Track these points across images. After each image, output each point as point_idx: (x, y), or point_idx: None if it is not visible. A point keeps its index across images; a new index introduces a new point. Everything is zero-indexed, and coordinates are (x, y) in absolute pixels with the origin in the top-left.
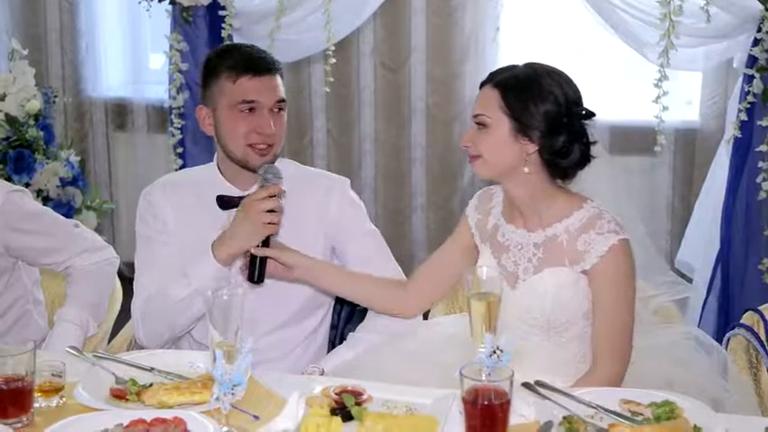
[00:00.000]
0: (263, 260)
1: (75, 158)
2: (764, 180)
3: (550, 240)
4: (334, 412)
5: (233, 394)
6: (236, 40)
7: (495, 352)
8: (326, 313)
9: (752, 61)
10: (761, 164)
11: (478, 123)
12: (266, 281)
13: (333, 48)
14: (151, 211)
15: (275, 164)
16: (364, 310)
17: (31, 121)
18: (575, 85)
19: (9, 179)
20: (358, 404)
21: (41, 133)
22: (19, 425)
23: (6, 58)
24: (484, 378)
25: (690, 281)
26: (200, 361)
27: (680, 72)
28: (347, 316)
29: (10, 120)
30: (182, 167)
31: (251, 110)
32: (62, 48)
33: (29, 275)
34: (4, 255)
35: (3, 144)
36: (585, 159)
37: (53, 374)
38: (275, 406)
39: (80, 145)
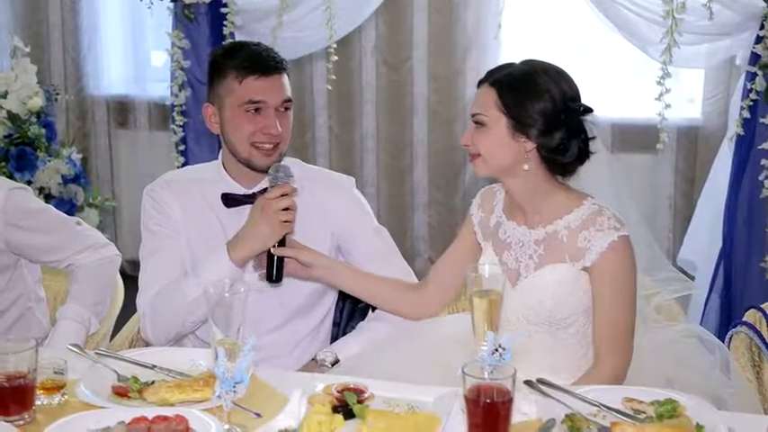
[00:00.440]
0: (281, 259)
1: (77, 156)
2: (767, 177)
3: (551, 237)
4: (335, 410)
5: (235, 392)
6: (238, 37)
7: (497, 350)
8: (329, 310)
9: (754, 59)
10: (763, 161)
11: (476, 122)
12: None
13: (335, 45)
14: (156, 206)
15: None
16: (366, 308)
17: (33, 119)
18: (572, 82)
19: (11, 177)
20: (360, 402)
21: (43, 131)
22: (21, 422)
23: (8, 56)
24: (486, 376)
25: (692, 278)
26: (201, 359)
27: (682, 69)
28: (349, 313)
29: (12, 117)
30: (184, 165)
31: (257, 110)
32: (64, 45)
33: (31, 273)
34: (6, 252)
35: (5, 141)
36: (584, 155)
37: (55, 372)
38: (277, 404)
39: (82, 142)
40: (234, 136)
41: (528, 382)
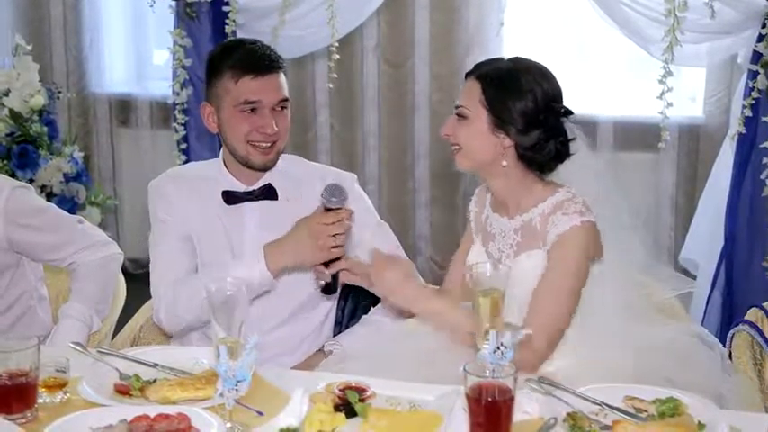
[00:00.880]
0: (337, 273)
1: (78, 154)
2: None
3: (527, 225)
4: (337, 408)
5: (237, 390)
6: (240, 35)
7: (498, 348)
8: (331, 308)
9: (756, 57)
10: (765, 160)
11: (459, 114)
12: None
13: (336, 44)
14: (163, 198)
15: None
16: (367, 307)
17: (35, 117)
18: (556, 82)
19: (13, 175)
20: (362, 400)
21: (45, 129)
22: (23, 420)
23: (10, 54)
24: (488, 374)
25: (694, 277)
26: (204, 357)
27: (684, 68)
28: (351, 311)
29: (14, 115)
30: (185, 163)
31: (253, 110)
32: (66, 43)
33: (33, 271)
34: (9, 251)
35: (7, 140)
36: (562, 155)
37: (57, 370)
38: (279, 402)
39: (84, 141)
40: (231, 135)
41: (530, 381)
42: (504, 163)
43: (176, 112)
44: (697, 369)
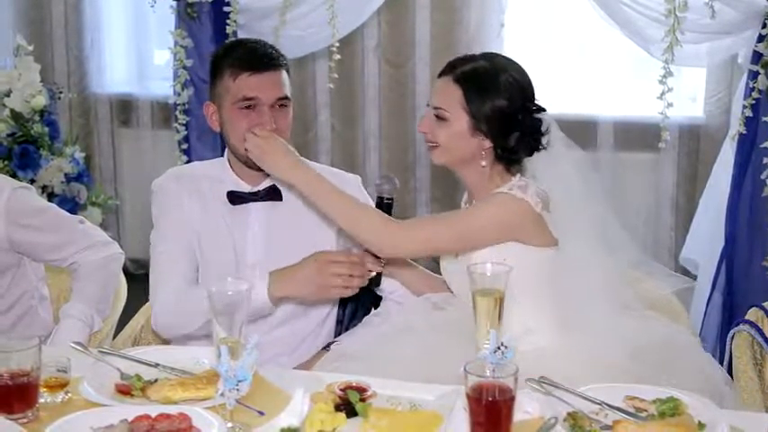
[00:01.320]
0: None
1: (80, 154)
2: None
3: None
4: (338, 408)
5: (238, 390)
6: (241, 36)
7: (499, 348)
8: (332, 308)
9: (756, 57)
10: (765, 160)
11: (438, 116)
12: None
13: (337, 44)
14: (166, 196)
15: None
16: (368, 307)
17: (37, 117)
18: (529, 78)
19: (14, 175)
20: (362, 400)
21: (47, 129)
22: (24, 420)
23: (12, 54)
24: (488, 374)
25: (694, 277)
26: (205, 357)
27: (684, 68)
28: (352, 311)
29: (15, 116)
30: (187, 163)
31: (252, 107)
32: (67, 44)
33: (34, 271)
34: (10, 251)
35: (8, 140)
36: (535, 150)
37: (58, 370)
38: (280, 402)
39: (85, 141)
40: (231, 134)
41: (531, 381)
42: (483, 163)
43: (177, 112)
44: (690, 366)
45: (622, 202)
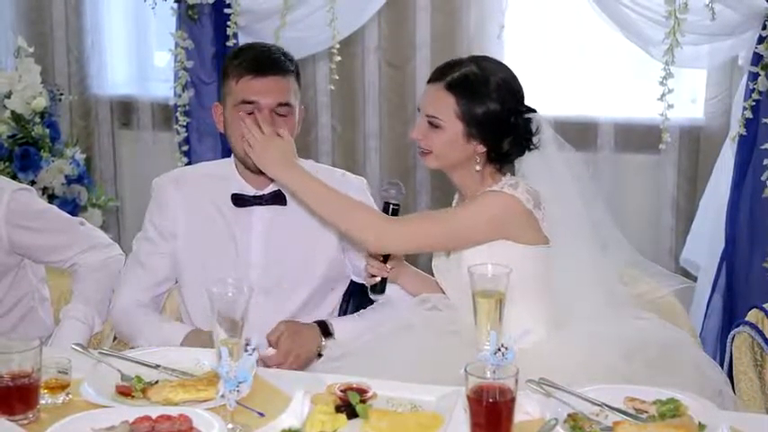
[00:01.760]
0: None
1: (80, 156)
2: None
3: None
4: (338, 409)
5: (238, 391)
6: (242, 37)
7: (499, 349)
8: (333, 309)
9: (757, 59)
10: (766, 161)
11: (431, 124)
12: (281, 277)
13: (337, 45)
14: (158, 205)
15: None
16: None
17: (37, 119)
18: (517, 80)
19: (15, 177)
20: (363, 401)
21: (47, 131)
22: (25, 421)
23: (12, 56)
24: (489, 375)
25: (695, 279)
26: (205, 358)
27: (685, 70)
28: (353, 312)
29: (16, 117)
30: (187, 165)
31: (252, 111)
32: (68, 45)
33: (35, 272)
34: (10, 252)
35: (9, 141)
36: (527, 149)
37: (59, 371)
38: (280, 403)
39: (85, 142)
40: (231, 135)
41: (531, 382)
42: (477, 168)
43: (178, 113)
44: (686, 364)
45: (623, 203)
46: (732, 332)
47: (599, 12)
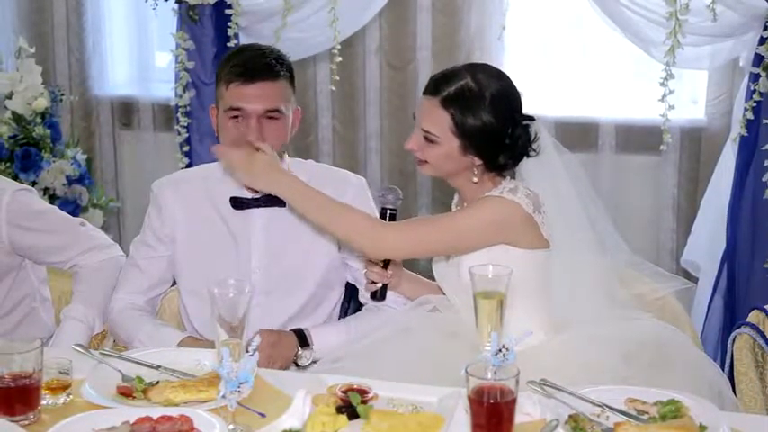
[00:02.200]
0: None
1: (81, 156)
2: None
3: None
4: (339, 410)
5: (239, 392)
6: (243, 38)
7: (500, 350)
8: (333, 311)
9: (758, 60)
10: (767, 162)
11: (426, 138)
12: (281, 279)
13: (338, 46)
14: (158, 213)
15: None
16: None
17: (38, 120)
18: (514, 88)
19: (16, 177)
20: (364, 402)
21: (48, 131)
22: (26, 422)
23: (13, 57)
24: (490, 376)
25: (695, 280)
26: (206, 359)
27: (685, 71)
28: (353, 313)
29: (17, 118)
30: (188, 166)
31: (240, 116)
32: (69, 46)
33: (36, 273)
34: (11, 253)
35: (10, 142)
36: (525, 155)
37: (60, 372)
38: (281, 404)
39: (86, 143)
40: (222, 140)
41: (532, 383)
42: (475, 179)
43: (179, 114)
44: (684, 365)
45: (623, 204)
46: (733, 333)
47: (600, 13)
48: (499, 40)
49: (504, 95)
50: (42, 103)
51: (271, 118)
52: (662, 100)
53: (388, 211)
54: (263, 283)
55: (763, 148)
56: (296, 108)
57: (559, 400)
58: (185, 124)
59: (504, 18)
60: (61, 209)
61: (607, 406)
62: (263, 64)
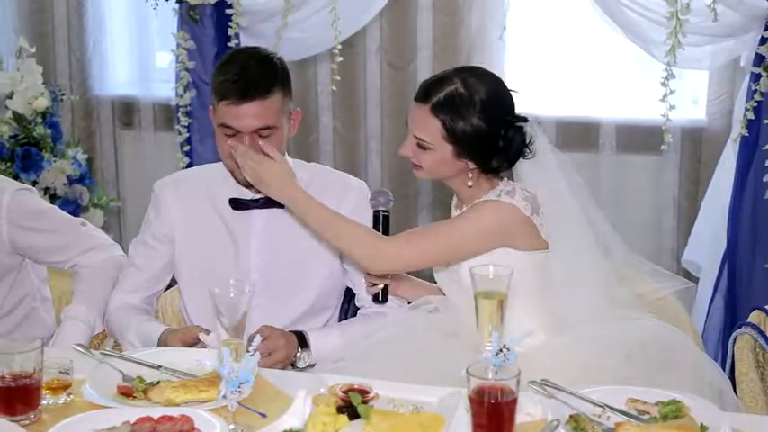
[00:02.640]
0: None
1: (82, 156)
2: None
3: None
4: (340, 410)
5: (240, 392)
6: (243, 38)
7: (501, 350)
8: (335, 311)
9: (759, 60)
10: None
11: (419, 145)
12: (282, 280)
13: (339, 46)
14: (157, 213)
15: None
16: None
17: (39, 119)
18: (506, 90)
19: (17, 177)
20: (364, 402)
21: (49, 131)
22: (26, 422)
23: (14, 56)
24: (491, 376)
25: (696, 280)
26: (207, 359)
27: (686, 71)
28: (353, 316)
29: (18, 118)
30: (189, 166)
31: (232, 133)
32: (69, 46)
33: (36, 273)
34: (12, 253)
35: (10, 142)
36: (518, 158)
37: (60, 372)
38: (282, 404)
39: (87, 143)
40: (218, 150)
41: (533, 383)
42: (470, 183)
43: (179, 114)
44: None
45: (624, 204)
46: (734, 333)
47: (601, 13)
48: (500, 40)
49: (494, 99)
50: (43, 102)
51: (265, 134)
52: (663, 100)
53: (381, 214)
54: (262, 284)
55: (764, 148)
56: (295, 110)
57: (560, 400)
58: (186, 124)
59: (505, 18)
60: (62, 209)
61: (608, 406)
62: (253, 82)
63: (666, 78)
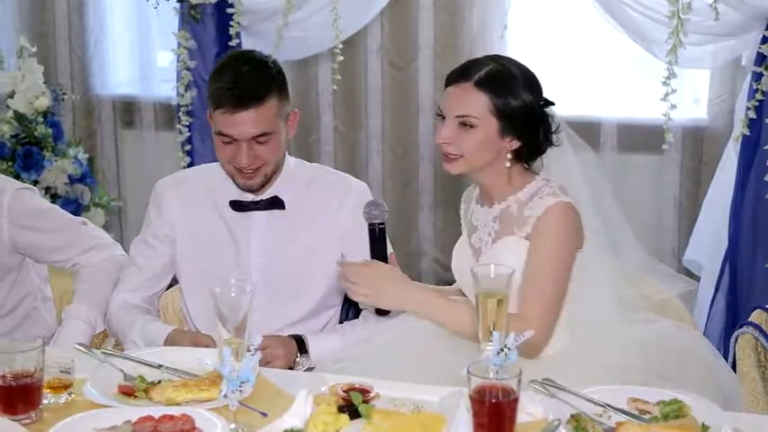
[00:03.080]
0: None
1: (83, 156)
2: None
3: (504, 213)
4: (341, 410)
5: (241, 391)
6: (244, 37)
7: (502, 350)
8: (336, 312)
9: (760, 59)
10: None
11: (463, 123)
12: (283, 280)
13: (340, 46)
14: (158, 213)
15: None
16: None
17: (40, 119)
18: (534, 73)
19: (18, 176)
20: (365, 402)
21: (50, 130)
22: (27, 421)
23: (15, 56)
24: (492, 376)
25: (697, 279)
26: (208, 358)
27: (688, 70)
28: (354, 315)
29: (19, 117)
30: (190, 165)
31: (229, 141)
32: (70, 45)
33: (37, 272)
34: (13, 252)
35: (11, 141)
36: (552, 143)
37: (61, 371)
38: (283, 403)
39: (88, 142)
40: (217, 156)
41: (534, 383)
42: (507, 164)
43: (180, 113)
44: (700, 367)
45: (625, 203)
46: (735, 333)
47: (602, 12)
48: (501, 39)
49: (532, 75)
50: (44, 102)
51: (261, 141)
52: (664, 99)
53: (377, 226)
54: (263, 284)
55: (766, 148)
56: (292, 111)
57: (561, 399)
58: (187, 123)
59: (507, 17)
60: (63, 208)
61: (609, 406)
62: (247, 90)
63: (667, 77)
